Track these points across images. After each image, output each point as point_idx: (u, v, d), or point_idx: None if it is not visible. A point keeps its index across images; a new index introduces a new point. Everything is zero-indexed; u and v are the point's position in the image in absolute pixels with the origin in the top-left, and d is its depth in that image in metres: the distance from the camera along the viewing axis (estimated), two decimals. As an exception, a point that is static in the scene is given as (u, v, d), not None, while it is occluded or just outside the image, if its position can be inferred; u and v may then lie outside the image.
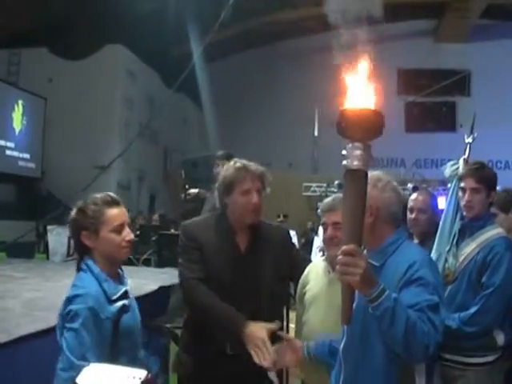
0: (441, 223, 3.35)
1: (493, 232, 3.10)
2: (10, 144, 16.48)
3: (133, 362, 2.19)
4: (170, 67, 17.02)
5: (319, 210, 2.95)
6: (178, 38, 17.25)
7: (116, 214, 2.34)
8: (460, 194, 3.19)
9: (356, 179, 1.87)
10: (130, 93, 18.97)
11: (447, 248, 3.17)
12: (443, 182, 18.10)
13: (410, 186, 12.80)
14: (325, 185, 17.78)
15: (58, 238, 14.51)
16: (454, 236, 3.18)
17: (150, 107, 19.12)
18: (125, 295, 2.33)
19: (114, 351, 2.20)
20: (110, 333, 2.17)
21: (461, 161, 3.41)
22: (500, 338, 2.99)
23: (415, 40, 22.65)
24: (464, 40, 22.48)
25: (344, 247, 1.84)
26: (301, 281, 3.10)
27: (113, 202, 2.36)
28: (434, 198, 3.74)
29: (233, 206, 2.91)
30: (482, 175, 3.15)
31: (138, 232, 12.12)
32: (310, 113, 20.61)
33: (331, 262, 2.85)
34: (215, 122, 19.48)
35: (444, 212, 3.37)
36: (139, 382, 1.83)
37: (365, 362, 2.14)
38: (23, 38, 16.85)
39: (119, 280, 2.39)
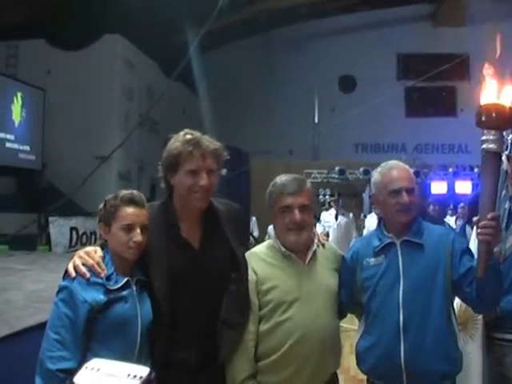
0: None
1: None
2: (10, 136, 16.55)
3: (126, 352, 2.23)
4: (169, 57, 17.01)
5: (278, 193, 2.54)
6: (176, 28, 17.22)
7: (129, 213, 2.33)
8: None
9: (494, 159, 2.27)
10: (128, 83, 18.93)
11: None
12: (444, 167, 18.16)
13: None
14: (326, 171, 17.84)
15: (59, 229, 14.59)
16: (503, 220, 3.03)
17: (149, 97, 19.10)
18: (127, 286, 2.30)
19: (96, 337, 2.22)
20: (85, 317, 2.16)
21: (504, 157, 3.18)
22: None
23: (414, 24, 22.57)
24: (462, 23, 22.40)
25: (493, 214, 2.22)
26: (249, 278, 2.50)
27: (130, 201, 2.34)
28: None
29: (177, 187, 2.45)
30: None
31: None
32: (309, 99, 20.58)
33: (295, 249, 2.55)
34: (214, 111, 19.40)
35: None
36: (139, 381, 1.84)
37: (428, 330, 2.43)
38: (20, 30, 16.83)
39: (130, 271, 2.36)
